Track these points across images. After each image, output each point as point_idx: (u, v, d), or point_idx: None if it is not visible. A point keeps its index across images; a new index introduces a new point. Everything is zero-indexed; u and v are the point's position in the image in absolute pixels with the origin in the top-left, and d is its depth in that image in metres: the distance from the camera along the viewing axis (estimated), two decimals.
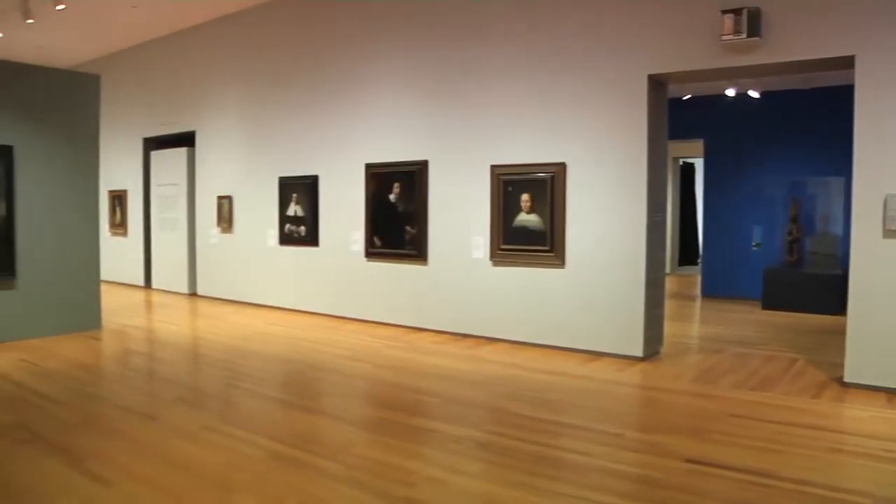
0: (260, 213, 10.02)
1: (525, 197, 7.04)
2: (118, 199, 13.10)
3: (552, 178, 6.85)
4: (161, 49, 12.06)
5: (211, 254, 11.04)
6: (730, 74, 6.54)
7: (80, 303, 7.98)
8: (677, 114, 8.29)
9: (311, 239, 9.26)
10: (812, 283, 9.63)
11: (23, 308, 7.46)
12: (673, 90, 7.58)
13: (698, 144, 11.89)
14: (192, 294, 11.41)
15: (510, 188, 7.15)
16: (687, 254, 15.68)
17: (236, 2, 10.00)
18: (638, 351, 6.47)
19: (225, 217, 10.62)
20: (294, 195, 9.45)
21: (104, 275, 8.56)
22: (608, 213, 6.58)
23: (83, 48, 13.05)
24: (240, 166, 10.40)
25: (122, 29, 11.64)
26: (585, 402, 5.24)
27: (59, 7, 9.19)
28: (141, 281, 12.63)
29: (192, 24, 11.17)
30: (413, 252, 8.04)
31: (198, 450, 4.14)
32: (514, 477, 3.69)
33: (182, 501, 3.40)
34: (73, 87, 8.02)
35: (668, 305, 8.21)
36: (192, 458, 3.99)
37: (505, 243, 7.23)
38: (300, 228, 9.41)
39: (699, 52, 6.05)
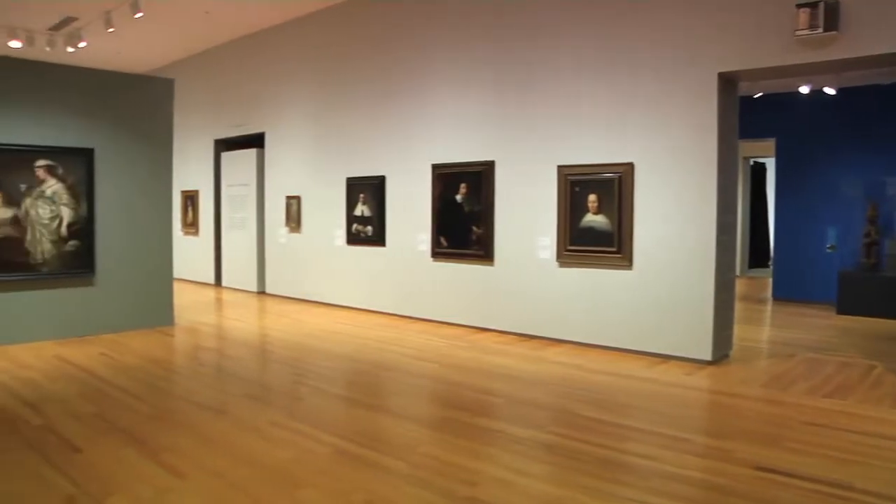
0: (327, 213, 10.17)
1: (592, 197, 6.98)
2: (190, 199, 13.46)
3: (620, 178, 6.77)
4: (232, 53, 12.34)
5: (279, 253, 11.25)
6: (805, 71, 6.33)
7: (154, 300, 8.24)
8: (748, 112, 8.10)
9: (378, 239, 9.35)
10: (891, 288, 9.29)
11: (101, 304, 7.75)
12: (744, 88, 7.40)
13: (770, 144, 11.60)
14: (261, 292, 11.64)
15: (577, 188, 7.09)
16: (757, 256, 15.31)
17: (305, 5, 10.17)
18: (706, 354, 6.35)
19: (293, 217, 10.81)
20: (361, 195, 9.56)
21: (176, 273, 8.81)
22: (677, 214, 6.47)
23: (158, 53, 13.46)
24: (308, 167, 10.57)
25: (195, 34, 11.97)
26: (652, 405, 5.17)
27: (137, 15, 9.51)
28: (211, 279, 12.96)
29: (261, 27, 11.41)
30: (479, 252, 8.05)
31: (266, 445, 4.23)
32: (579, 479, 3.67)
33: (250, 495, 3.48)
34: (149, 91, 8.29)
35: (738, 308, 8.04)
36: (261, 453, 4.08)
37: (571, 244, 7.17)
38: (367, 228, 9.51)
39: (772, 48, 5.90)
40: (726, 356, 6.66)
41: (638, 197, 6.71)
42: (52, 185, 7.33)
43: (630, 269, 6.77)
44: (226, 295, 11.68)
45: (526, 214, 7.61)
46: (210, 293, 11.90)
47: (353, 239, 9.74)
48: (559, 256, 7.30)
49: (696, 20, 6.33)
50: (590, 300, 7.10)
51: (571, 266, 7.23)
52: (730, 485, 3.61)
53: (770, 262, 13.43)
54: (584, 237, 7.06)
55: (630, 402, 5.27)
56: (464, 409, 5.02)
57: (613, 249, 6.84)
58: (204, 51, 13.12)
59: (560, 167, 7.24)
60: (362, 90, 9.60)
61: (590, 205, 7.00)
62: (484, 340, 7.54)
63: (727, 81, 6.38)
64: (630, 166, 6.71)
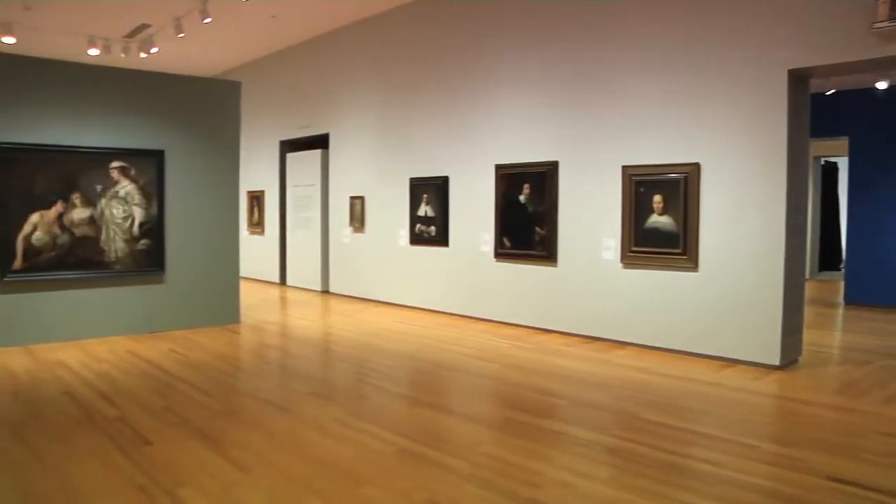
0: (391, 213, 10.25)
1: (657, 198, 6.87)
2: (256, 199, 13.72)
3: (685, 178, 6.66)
4: (297, 55, 12.54)
5: (343, 252, 11.38)
6: (882, 66, 6.10)
7: (222, 298, 8.43)
8: (819, 110, 7.85)
9: (441, 239, 9.38)
10: None
11: (171, 301, 7.97)
12: (815, 85, 7.18)
13: (843, 143, 11.24)
14: (325, 291, 11.80)
15: (642, 189, 7.00)
16: (828, 258, 14.87)
17: (369, 7, 10.27)
18: (774, 359, 6.19)
19: (357, 217, 10.93)
20: (425, 196, 9.61)
21: (242, 272, 8.99)
22: (744, 216, 6.32)
23: (226, 57, 13.78)
24: (372, 167, 10.67)
25: (261, 38, 12.21)
26: (718, 410, 5.06)
27: (205, 20, 9.75)
28: (276, 278, 13.19)
29: (326, 30, 11.56)
30: (542, 253, 8.01)
31: (329, 442, 4.29)
32: (642, 484, 3.62)
33: (314, 491, 3.53)
34: (217, 94, 8.49)
35: (808, 312, 7.81)
36: (324, 451, 4.13)
37: (636, 245, 7.08)
38: (430, 228, 9.55)
39: (847, 42, 5.70)
40: (795, 361, 6.48)
41: (704, 198, 6.58)
42: (126, 186, 7.57)
43: (695, 270, 6.65)
44: (290, 294, 11.87)
45: (590, 215, 7.55)
46: (275, 292, 12.11)
47: (417, 239, 9.80)
48: (623, 257, 7.22)
49: (765, 16, 6.17)
50: (654, 302, 6.99)
51: (636, 267, 7.14)
52: (800, 495, 3.51)
53: (842, 265, 13.03)
54: (649, 238, 6.96)
55: (695, 406, 5.17)
56: (526, 410, 5.00)
57: (679, 251, 6.73)
58: (270, 54, 13.37)
59: (625, 167, 7.16)
60: (426, 91, 9.65)
61: (655, 205, 6.90)
62: (546, 342, 7.50)
63: (798, 78, 6.21)
64: (696, 166, 6.59)
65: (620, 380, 5.90)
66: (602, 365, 6.45)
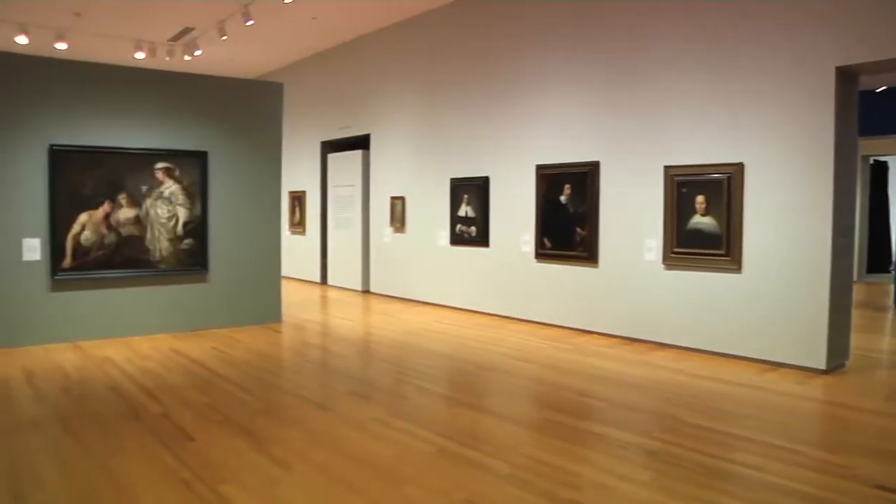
0: (431, 213, 10.28)
1: (700, 198, 6.79)
2: (297, 199, 13.85)
3: (729, 178, 6.56)
4: (338, 56, 12.64)
5: (384, 252, 11.44)
6: None
7: (263, 297, 8.53)
8: (868, 108, 7.69)
9: (482, 239, 9.38)
10: None
11: (213, 300, 8.09)
12: (864, 82, 7.00)
13: (892, 141, 10.99)
14: (366, 291, 11.87)
15: (684, 189, 6.92)
16: (877, 260, 14.53)
17: (409, 8, 10.31)
18: (820, 363, 6.07)
19: (398, 217, 10.97)
20: (465, 196, 9.62)
21: (284, 271, 9.08)
22: (790, 216, 6.21)
23: (268, 59, 13.93)
24: (412, 168, 10.71)
25: (302, 39, 12.33)
26: (761, 414, 4.98)
27: (248, 23, 9.88)
28: (317, 277, 13.30)
29: (366, 31, 11.63)
30: (583, 254, 7.96)
31: (369, 441, 4.31)
32: (684, 488, 3.58)
33: (354, 490, 3.55)
34: (259, 95, 8.59)
35: (855, 315, 7.63)
36: (364, 449, 4.16)
37: (678, 246, 7.00)
38: (471, 229, 9.56)
39: None
40: (842, 366, 6.35)
41: (748, 198, 6.48)
42: (170, 187, 7.70)
43: (739, 272, 6.55)
44: (331, 293, 11.96)
45: (631, 216, 7.48)
46: (316, 291, 12.21)
47: (457, 239, 9.81)
48: (665, 258, 7.14)
49: (811, 12, 6.05)
50: (696, 304, 6.91)
51: (678, 268, 7.06)
52: (846, 502, 3.43)
53: (891, 268, 12.72)
54: (692, 239, 6.88)
55: (738, 409, 5.09)
56: (565, 412, 4.98)
57: (722, 252, 6.64)
58: (311, 55, 13.49)
59: (667, 167, 7.08)
60: (466, 91, 9.65)
61: (697, 206, 6.81)
62: (586, 343, 7.45)
63: (846, 76, 6.08)
64: (740, 167, 6.49)
65: (661, 382, 5.84)
66: (643, 367, 6.39)
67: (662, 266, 7.19)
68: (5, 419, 4.74)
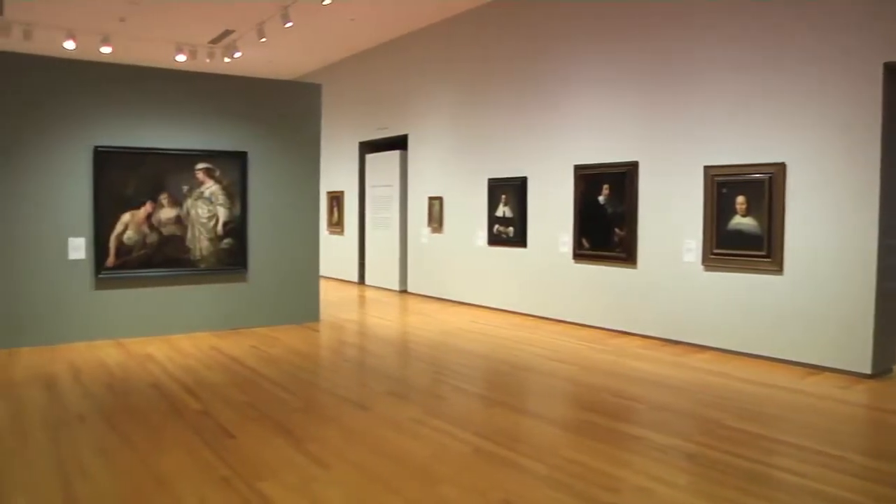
0: (469, 213, 10.28)
1: (740, 199, 6.69)
2: (336, 199, 13.95)
3: (770, 178, 6.46)
4: (376, 57, 12.70)
5: (421, 253, 11.46)
6: None
7: (302, 296, 8.60)
8: None
9: (520, 240, 9.35)
10: None
11: (253, 299, 8.18)
12: None
13: None
14: (403, 291, 11.91)
15: (724, 190, 6.83)
16: None
17: (447, 9, 10.32)
18: (865, 367, 5.95)
19: (435, 217, 10.99)
20: (503, 196, 9.60)
21: (322, 271, 9.15)
22: (833, 217, 6.09)
23: (306, 60, 14.06)
24: (450, 168, 10.72)
25: (340, 41, 12.41)
26: (803, 418, 4.90)
27: (287, 25, 9.98)
28: (355, 277, 13.37)
29: (403, 32, 11.67)
30: (622, 254, 7.90)
31: (406, 441, 4.32)
32: (723, 492, 3.53)
33: (391, 489, 3.57)
34: (298, 96, 8.67)
35: None
36: (401, 449, 4.17)
37: (718, 247, 6.91)
38: (508, 229, 9.54)
39: None
40: (889, 371, 6.20)
41: (790, 198, 6.37)
42: (210, 187, 7.81)
43: (780, 273, 6.44)
44: (369, 293, 12.02)
45: (670, 216, 7.40)
46: (354, 291, 12.28)
47: (495, 240, 9.79)
48: (705, 260, 7.05)
49: (858, 7, 5.92)
50: (736, 305, 6.81)
51: (717, 270, 6.96)
52: None
53: None
54: (732, 240, 6.78)
55: (779, 413, 5.01)
56: (603, 413, 4.94)
57: (763, 253, 6.53)
58: (349, 56, 13.57)
59: (706, 168, 6.99)
60: (504, 91, 9.63)
61: (738, 206, 6.72)
62: (624, 344, 7.39)
63: (893, 72, 5.93)
64: (782, 166, 6.39)
65: (700, 384, 5.76)
66: (681, 369, 6.32)
67: (702, 267, 7.10)
68: (54, 413, 4.85)
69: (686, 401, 5.30)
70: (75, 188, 7.15)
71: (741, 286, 6.77)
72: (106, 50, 11.60)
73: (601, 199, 8.12)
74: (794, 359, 6.38)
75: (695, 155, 7.14)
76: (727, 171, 6.81)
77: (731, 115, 6.83)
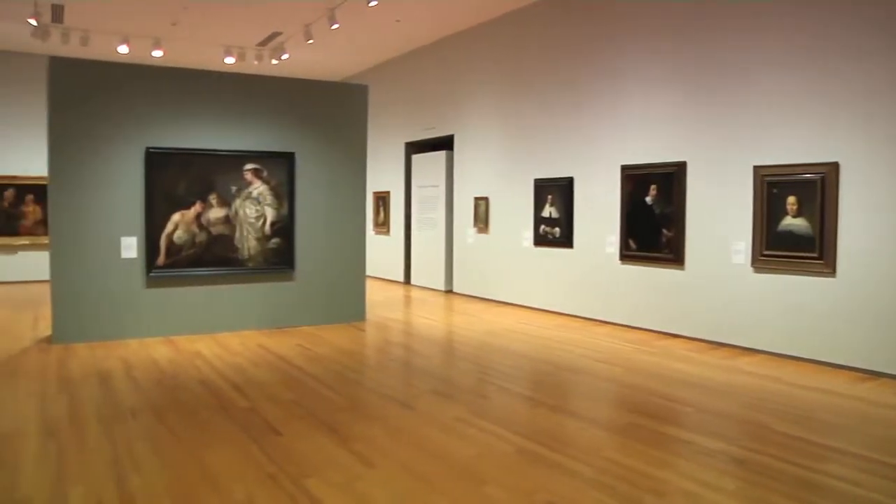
0: (515, 214, 10.25)
1: (791, 199, 6.56)
2: (382, 199, 14.02)
3: (822, 178, 6.31)
4: (422, 58, 12.73)
5: (467, 253, 11.47)
6: None
7: (348, 296, 8.66)
8: None
9: (566, 240, 9.30)
10: None
11: (299, 298, 8.27)
12: None
13: None
14: (448, 291, 11.92)
15: (775, 190, 6.70)
16: None
17: (492, 9, 10.30)
18: None
19: (481, 217, 10.98)
20: (549, 197, 9.55)
21: (368, 270, 9.20)
22: (888, 218, 5.92)
23: (353, 61, 14.15)
24: (496, 168, 10.70)
25: (386, 41, 12.47)
26: (857, 425, 4.78)
27: (333, 26, 10.06)
28: (401, 277, 13.43)
29: (449, 32, 11.68)
30: (669, 256, 7.80)
31: (451, 440, 4.33)
32: (772, 499, 3.46)
33: (436, 489, 3.57)
34: (344, 97, 8.74)
35: None
36: (446, 448, 4.18)
37: (768, 248, 6.78)
38: (554, 230, 9.49)
39: None
40: None
41: (843, 199, 6.21)
42: (258, 187, 7.91)
43: (833, 276, 6.30)
44: (414, 293, 12.06)
45: (719, 217, 7.28)
46: (399, 291, 12.33)
47: (541, 240, 9.75)
48: (754, 261, 6.93)
49: None
50: (787, 308, 6.67)
51: (767, 271, 6.83)
52: None
53: None
54: (782, 241, 6.65)
55: (831, 420, 4.89)
56: (649, 416, 4.88)
57: (815, 255, 6.39)
58: (395, 57, 13.63)
59: (756, 168, 6.87)
60: (550, 91, 9.58)
61: (788, 207, 6.58)
62: (671, 346, 7.30)
63: None
64: (834, 166, 6.24)
65: (749, 388, 5.66)
66: (729, 372, 6.21)
67: (751, 269, 6.98)
68: (108, 408, 4.97)
69: (734, 404, 5.21)
70: (128, 189, 7.31)
71: (792, 288, 6.63)
72: (157, 53, 11.84)
73: (648, 199, 8.03)
74: (847, 363, 6.23)
75: (744, 155, 7.01)
76: (778, 171, 6.68)
77: (781, 114, 6.69)
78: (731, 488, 3.61)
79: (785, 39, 6.67)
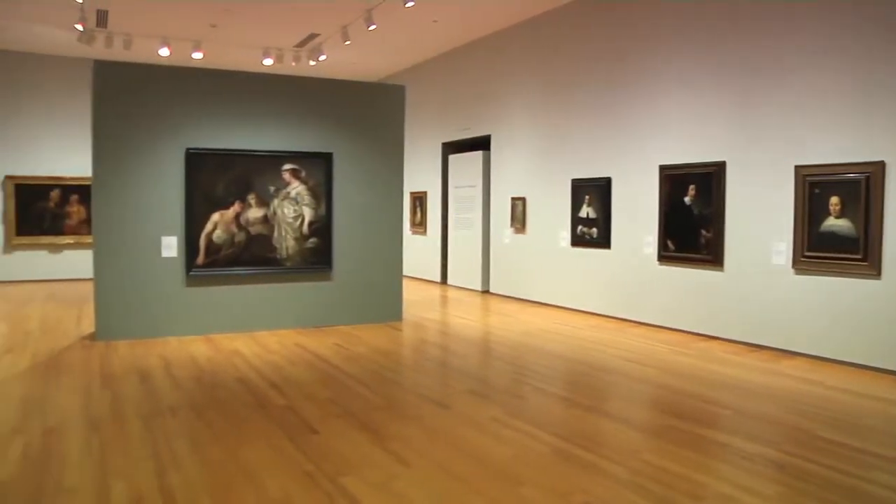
0: (552, 214, 10.20)
1: (834, 200, 6.43)
2: (419, 199, 14.05)
3: (867, 178, 6.18)
4: (458, 58, 12.73)
5: (504, 253, 11.44)
6: None
7: (385, 295, 8.70)
8: None
9: (603, 241, 9.23)
10: None
11: (336, 298, 8.32)
12: None
13: None
14: (485, 291, 11.90)
15: (817, 190, 6.57)
16: None
17: (530, 9, 10.27)
18: None
19: (518, 218, 10.95)
20: (586, 197, 9.49)
21: (405, 270, 9.23)
22: None
23: (389, 62, 14.20)
24: (533, 168, 10.66)
25: (423, 42, 12.49)
26: None
27: (370, 27, 10.11)
28: (437, 277, 13.44)
29: (486, 32, 11.66)
30: (708, 257, 7.70)
31: (487, 441, 4.32)
32: None
33: (472, 489, 3.57)
34: (382, 97, 8.77)
35: None
36: (482, 449, 4.17)
37: (810, 250, 6.66)
38: (592, 230, 9.42)
39: None
40: None
41: (889, 199, 6.07)
42: (296, 187, 7.98)
43: (877, 278, 6.16)
44: (451, 293, 12.07)
45: (759, 217, 7.17)
46: (436, 291, 12.35)
47: (578, 240, 9.69)
48: (795, 263, 6.80)
49: None
50: (830, 311, 6.54)
51: (809, 273, 6.71)
52: None
53: None
54: (825, 243, 6.52)
55: (876, 425, 4.79)
56: (687, 419, 4.83)
57: (858, 256, 6.26)
58: (432, 57, 13.64)
59: (798, 167, 6.74)
60: (588, 91, 9.52)
61: (831, 207, 6.46)
62: (709, 348, 7.20)
63: None
64: (880, 165, 6.10)
65: (790, 392, 5.57)
66: (769, 375, 6.11)
67: (792, 270, 6.86)
68: (148, 404, 5.06)
69: (774, 408, 5.13)
70: (168, 189, 7.43)
71: (834, 290, 6.50)
72: (197, 56, 12.01)
73: (687, 199, 7.94)
74: (891, 367, 6.09)
75: (785, 154, 6.89)
76: (820, 171, 6.56)
77: (824, 113, 6.56)
78: (769, 493, 3.55)
79: (826, 36, 6.54)
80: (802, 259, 6.74)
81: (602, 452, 4.12)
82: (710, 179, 7.66)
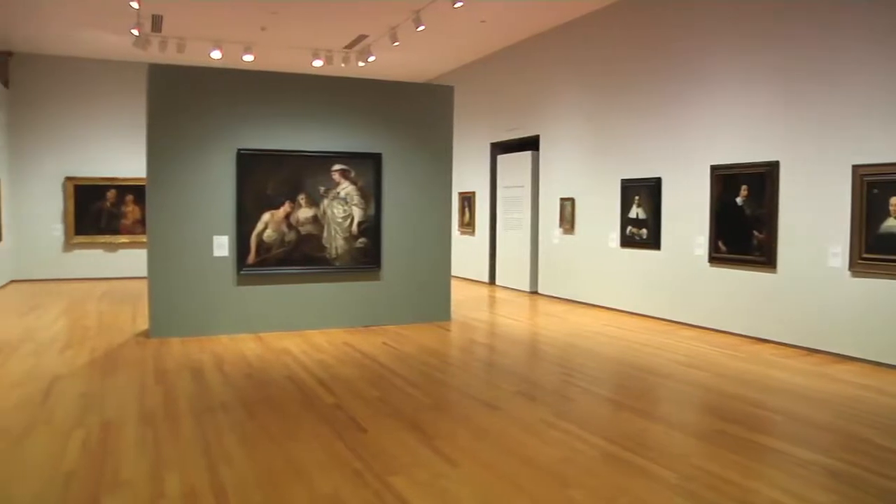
0: (601, 215, 10.12)
1: (894, 200, 6.26)
2: (467, 200, 14.05)
3: None
4: (507, 58, 12.70)
5: (552, 254, 11.38)
6: None
7: (433, 295, 8.73)
8: None
9: (653, 242, 9.13)
10: None
11: (385, 297, 8.37)
12: None
13: None
14: (533, 292, 11.86)
15: (875, 190, 6.40)
16: None
17: (579, 8, 10.20)
18: None
19: (567, 218, 10.89)
20: (636, 197, 9.40)
21: (453, 270, 9.24)
22: None
23: (438, 62, 14.23)
24: (582, 169, 10.59)
25: (471, 42, 12.49)
26: None
27: (419, 28, 10.16)
28: (486, 277, 13.42)
29: (535, 32, 11.61)
30: (760, 258, 7.56)
31: (536, 442, 4.31)
32: None
33: (521, 490, 3.57)
34: (430, 98, 8.80)
35: None
36: (531, 450, 4.17)
37: (867, 252, 6.49)
38: (641, 231, 9.33)
39: None
40: None
41: None
42: (346, 188, 8.05)
43: None
44: (499, 293, 12.05)
45: (814, 218, 7.01)
46: (484, 291, 12.34)
47: (627, 241, 9.60)
48: (852, 265, 6.64)
49: None
50: (887, 314, 6.37)
51: (866, 276, 6.54)
52: None
53: None
54: (884, 244, 6.35)
55: None
56: (738, 423, 4.75)
57: None
58: (480, 58, 13.64)
59: (855, 167, 6.58)
60: (637, 91, 9.42)
61: (891, 208, 6.28)
62: (760, 352, 7.07)
63: None
64: None
65: (844, 397, 5.43)
66: (823, 380, 5.98)
67: (848, 273, 6.69)
68: (200, 400, 5.16)
69: (829, 414, 5.01)
70: (220, 189, 7.56)
71: (893, 294, 6.32)
72: (248, 58, 12.20)
73: (739, 200, 7.80)
74: None
75: (841, 153, 6.73)
76: (879, 170, 6.39)
77: (881, 110, 6.39)
78: (823, 501, 3.48)
79: (880, 27, 6.35)
80: (860, 261, 6.57)
81: (650, 456, 4.08)
82: (762, 179, 7.52)
